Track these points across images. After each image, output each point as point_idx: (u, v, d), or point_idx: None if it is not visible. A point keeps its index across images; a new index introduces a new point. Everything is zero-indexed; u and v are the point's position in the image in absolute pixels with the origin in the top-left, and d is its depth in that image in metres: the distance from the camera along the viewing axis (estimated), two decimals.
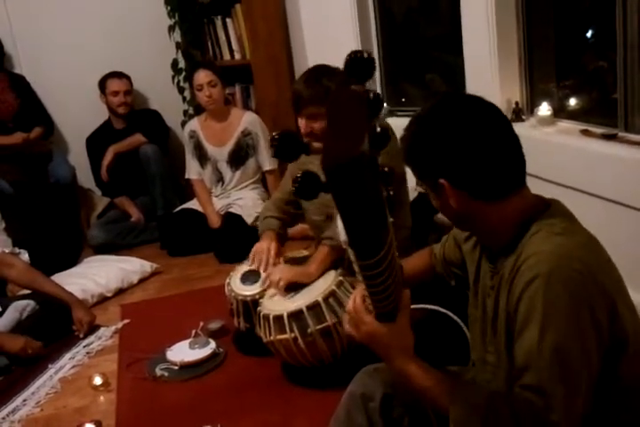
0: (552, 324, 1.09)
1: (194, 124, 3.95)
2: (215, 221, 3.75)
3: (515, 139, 1.24)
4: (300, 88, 2.31)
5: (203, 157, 3.91)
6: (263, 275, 2.38)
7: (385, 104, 3.64)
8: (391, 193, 0.97)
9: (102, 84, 4.08)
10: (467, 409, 1.13)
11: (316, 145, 0.90)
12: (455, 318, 1.68)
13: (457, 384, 1.20)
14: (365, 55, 0.84)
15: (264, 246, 2.46)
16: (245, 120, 3.84)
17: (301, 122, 2.32)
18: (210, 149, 3.89)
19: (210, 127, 3.88)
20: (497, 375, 1.28)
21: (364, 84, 0.85)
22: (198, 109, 4.09)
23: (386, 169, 0.93)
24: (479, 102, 1.24)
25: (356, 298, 1.28)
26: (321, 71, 2.34)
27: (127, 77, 4.12)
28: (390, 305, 1.17)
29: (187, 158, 3.98)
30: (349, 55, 0.84)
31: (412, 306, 1.73)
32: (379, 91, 3.63)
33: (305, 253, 2.56)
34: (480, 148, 1.19)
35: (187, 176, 3.99)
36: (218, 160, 3.88)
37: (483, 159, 1.19)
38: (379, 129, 0.86)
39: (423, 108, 1.28)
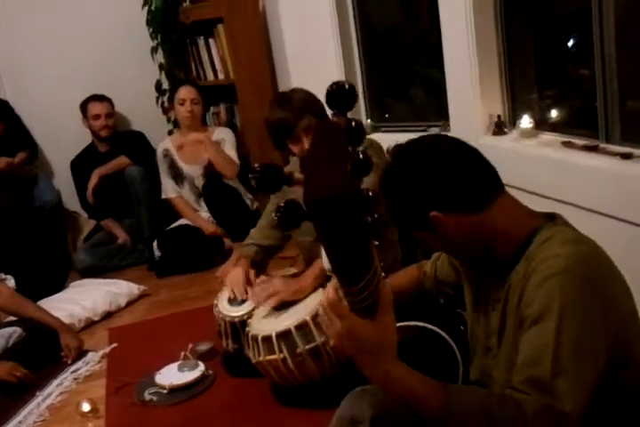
0: (570, 319, 1.11)
1: (167, 143, 3.99)
2: (209, 227, 3.81)
3: (473, 150, 1.30)
4: (278, 113, 2.27)
5: (178, 176, 3.94)
6: (252, 289, 2.37)
7: (371, 121, 3.66)
8: (376, 216, 0.96)
9: (83, 107, 4.08)
10: (462, 410, 1.10)
11: (298, 176, 0.90)
12: (444, 335, 1.67)
13: (448, 385, 1.15)
14: (346, 86, 0.84)
15: (239, 276, 2.43)
16: (217, 134, 3.90)
17: (299, 144, 2.26)
18: (184, 167, 3.92)
19: (183, 146, 3.91)
20: (504, 389, 1.26)
21: (345, 115, 0.85)
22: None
23: (370, 193, 0.93)
24: (423, 137, 1.36)
25: (329, 292, 1.13)
26: (283, 93, 2.38)
27: (108, 100, 4.11)
28: (371, 305, 1.08)
29: (162, 178, 3.99)
30: (330, 86, 0.84)
31: (401, 323, 1.72)
32: (362, 106, 3.65)
33: (293, 270, 2.55)
34: (449, 169, 1.26)
35: (163, 196, 3.99)
36: (194, 177, 3.90)
37: (456, 177, 1.26)
38: (361, 156, 0.86)
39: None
